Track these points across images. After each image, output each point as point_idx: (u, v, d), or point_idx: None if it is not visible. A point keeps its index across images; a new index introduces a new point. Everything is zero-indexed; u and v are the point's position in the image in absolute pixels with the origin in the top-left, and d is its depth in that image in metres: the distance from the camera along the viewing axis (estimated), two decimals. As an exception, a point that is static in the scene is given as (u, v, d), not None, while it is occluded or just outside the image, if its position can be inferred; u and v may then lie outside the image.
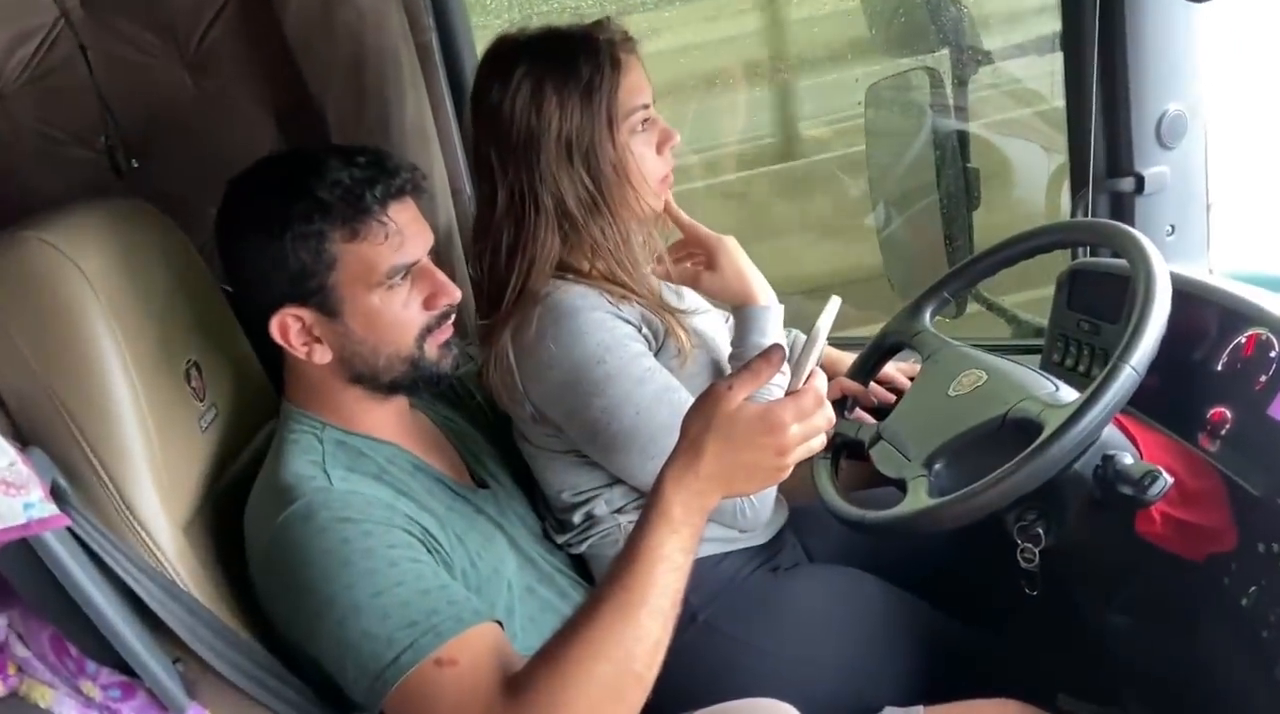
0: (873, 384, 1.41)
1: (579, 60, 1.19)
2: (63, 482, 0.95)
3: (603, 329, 1.19)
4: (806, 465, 1.34)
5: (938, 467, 1.12)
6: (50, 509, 0.86)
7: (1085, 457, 1.04)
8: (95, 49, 1.39)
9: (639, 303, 1.23)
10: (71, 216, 1.08)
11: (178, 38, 1.42)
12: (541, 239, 1.21)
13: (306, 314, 1.10)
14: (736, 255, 1.27)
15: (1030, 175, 2.08)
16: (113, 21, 1.40)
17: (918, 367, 1.48)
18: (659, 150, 1.25)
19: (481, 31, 1.60)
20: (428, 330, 1.14)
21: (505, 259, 1.23)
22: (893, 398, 1.42)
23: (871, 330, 1.44)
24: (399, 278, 1.10)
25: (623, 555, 0.93)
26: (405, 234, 1.10)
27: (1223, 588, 1.08)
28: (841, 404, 1.37)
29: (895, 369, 1.47)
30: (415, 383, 1.15)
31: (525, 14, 2.03)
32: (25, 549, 0.88)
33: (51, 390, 0.98)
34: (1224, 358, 1.15)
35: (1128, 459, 1.05)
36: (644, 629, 0.91)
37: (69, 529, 0.91)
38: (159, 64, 1.42)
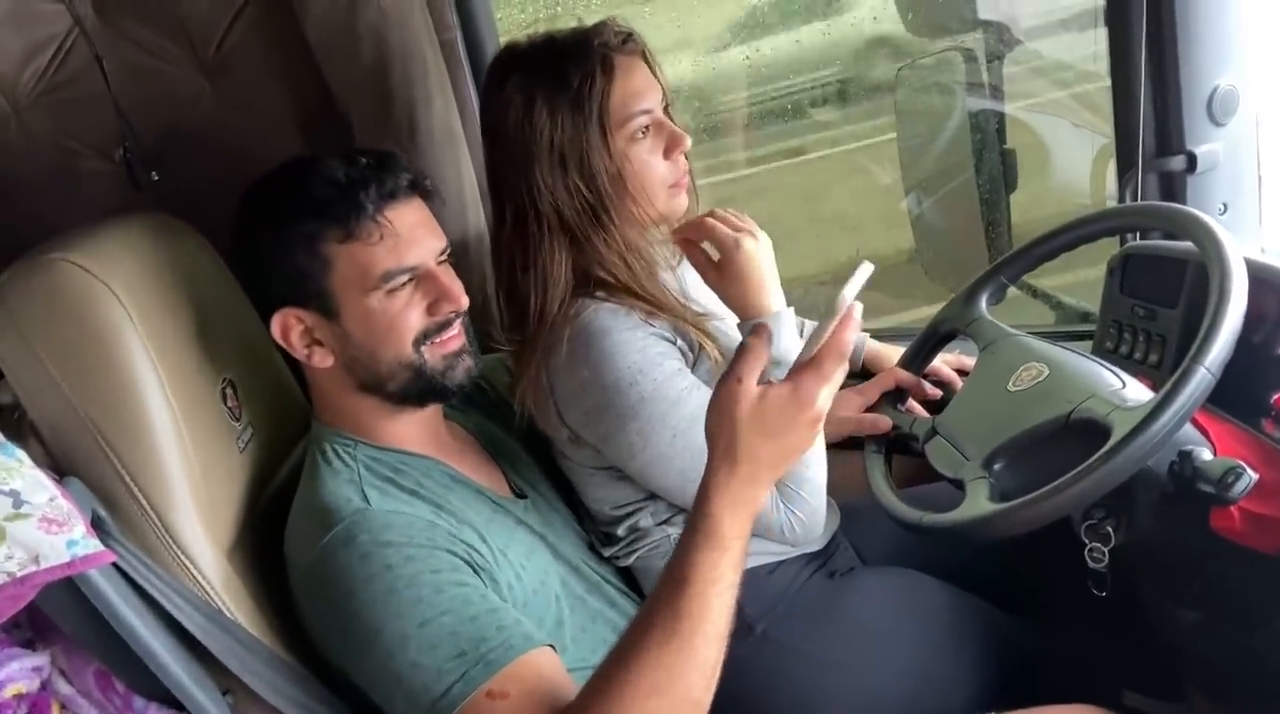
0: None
1: (568, 68, 1.15)
2: (102, 511, 0.92)
3: (634, 349, 1.15)
4: (853, 460, 1.31)
5: (997, 467, 1.07)
6: (94, 545, 0.83)
7: (1160, 453, 0.99)
8: (111, 57, 1.35)
9: (668, 316, 1.19)
10: (98, 236, 1.05)
11: (195, 43, 1.38)
12: (548, 253, 1.17)
13: (307, 316, 1.08)
14: (751, 263, 1.17)
15: (1070, 156, 2.02)
16: (128, 28, 1.36)
17: (964, 358, 1.45)
18: (667, 154, 1.20)
19: (506, 25, 1.55)
20: (425, 336, 1.10)
21: (520, 276, 1.19)
22: (939, 393, 1.38)
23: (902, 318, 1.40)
24: (400, 282, 1.07)
25: (670, 578, 0.88)
26: (404, 237, 1.07)
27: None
28: (894, 396, 1.32)
29: (942, 361, 1.43)
30: (422, 393, 1.12)
31: (550, 6, 1.97)
32: (68, 584, 0.85)
33: (88, 418, 0.95)
34: (1287, 340, 1.11)
35: (1206, 455, 1.01)
36: (700, 657, 0.87)
37: (113, 563, 0.88)
38: (177, 71, 1.38)
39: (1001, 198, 1.75)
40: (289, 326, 1.08)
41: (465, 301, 1.11)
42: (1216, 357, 0.96)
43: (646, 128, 1.19)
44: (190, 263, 1.15)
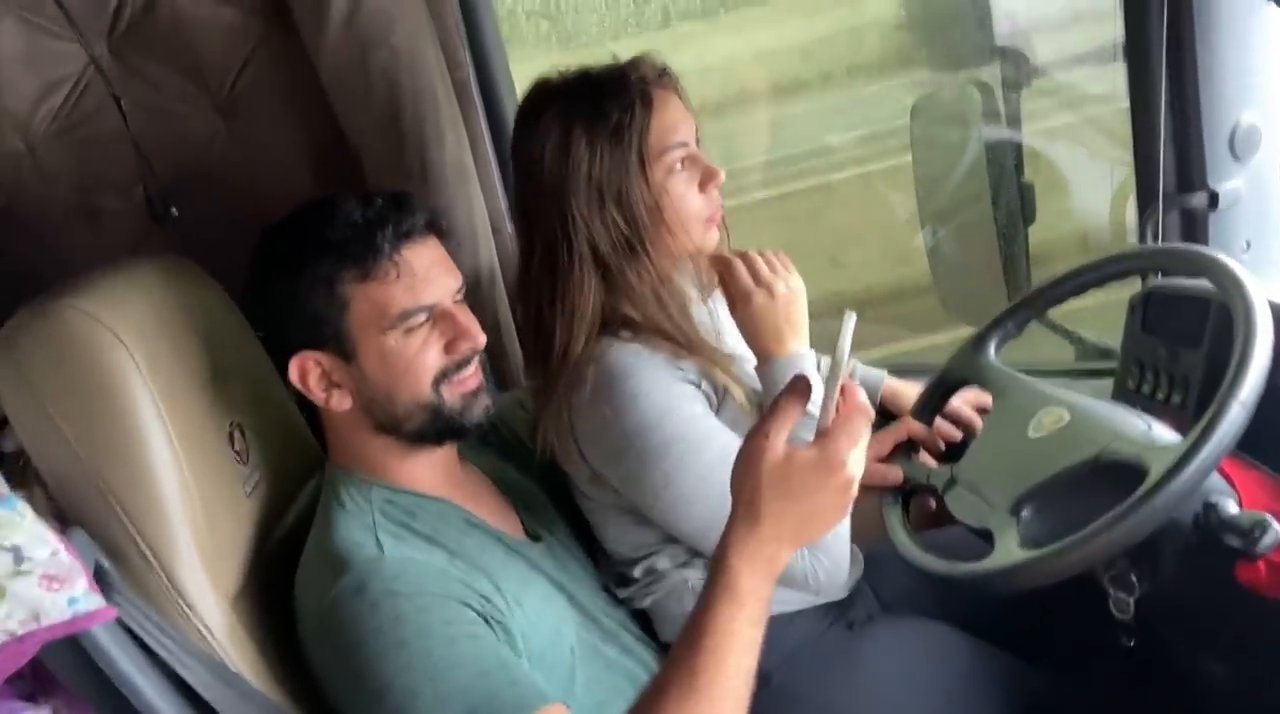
0: (939, 421, 1.35)
1: (607, 101, 1.15)
2: (105, 563, 0.90)
3: (659, 391, 1.13)
4: (871, 505, 1.29)
5: (1025, 514, 1.05)
6: (96, 601, 0.82)
7: (1186, 503, 0.97)
8: (127, 96, 1.35)
9: (695, 358, 1.18)
10: (109, 281, 1.04)
11: (209, 83, 1.38)
12: (579, 287, 1.16)
13: (324, 359, 1.07)
14: (759, 319, 1.16)
15: (1089, 190, 2.00)
16: (142, 68, 1.36)
17: (984, 397, 1.42)
18: (702, 188, 1.20)
19: (518, 64, 1.55)
20: (444, 375, 1.09)
21: (546, 311, 1.18)
22: (959, 435, 1.35)
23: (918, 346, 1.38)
24: (419, 320, 1.07)
25: (687, 635, 0.86)
26: (420, 276, 1.06)
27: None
28: (907, 447, 1.30)
29: (962, 400, 1.41)
30: (440, 433, 1.11)
31: (563, 43, 1.98)
32: (69, 639, 0.83)
33: (93, 468, 0.94)
34: (1314, 383, 1.08)
35: (1232, 507, 0.98)
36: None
37: (117, 618, 0.86)
38: (191, 110, 1.38)
39: (1019, 231, 1.73)
40: (307, 370, 1.07)
41: (483, 339, 1.10)
42: (1250, 392, 0.94)
43: (683, 160, 1.18)
44: (200, 305, 1.14)
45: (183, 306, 1.10)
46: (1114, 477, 0.99)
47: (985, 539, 1.06)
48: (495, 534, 1.14)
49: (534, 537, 1.22)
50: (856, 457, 0.86)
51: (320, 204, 1.09)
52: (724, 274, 1.19)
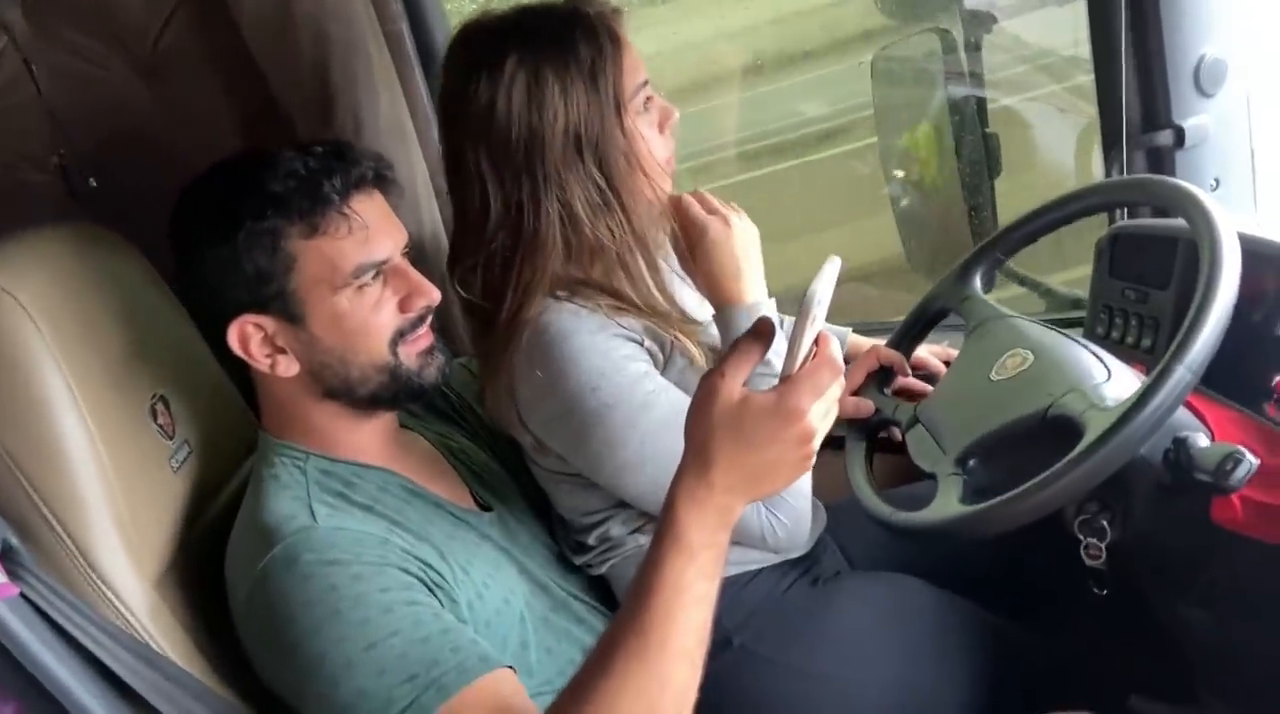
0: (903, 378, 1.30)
1: (577, 41, 1.06)
2: (15, 541, 0.85)
3: (597, 353, 1.07)
4: (838, 459, 1.24)
5: (972, 464, 1.01)
6: (-5, 578, 0.77)
7: (1153, 440, 0.93)
8: (42, 63, 1.29)
9: (639, 314, 1.11)
10: (11, 246, 0.98)
11: (129, 45, 1.32)
12: (544, 250, 1.08)
13: (267, 322, 1.00)
14: (719, 249, 1.10)
15: (1055, 137, 1.96)
16: (59, 32, 1.30)
17: (952, 351, 1.39)
18: (661, 129, 1.13)
19: (456, 18, 1.49)
20: (400, 334, 1.03)
21: (499, 276, 1.11)
22: (927, 388, 1.31)
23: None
24: (369, 277, 1.00)
25: (635, 591, 0.81)
26: (372, 228, 1.00)
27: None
28: (880, 378, 1.25)
29: (928, 352, 1.36)
30: (396, 396, 1.05)
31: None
32: (-28, 621, 0.78)
33: (-2, 441, 0.89)
34: (1287, 318, 1.04)
35: (1202, 441, 0.94)
36: (667, 675, 0.79)
37: (23, 595, 0.81)
38: (111, 74, 1.32)
39: (985, 183, 1.69)
40: (247, 335, 1.00)
41: (438, 295, 1.04)
42: (1199, 354, 0.90)
43: (647, 100, 1.12)
44: (116, 273, 1.08)
45: (96, 274, 1.04)
46: (1058, 433, 0.95)
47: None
48: (439, 503, 1.09)
49: (484, 506, 1.17)
50: (820, 410, 0.79)
51: (252, 155, 1.02)
52: (677, 212, 1.13)
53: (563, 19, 1.08)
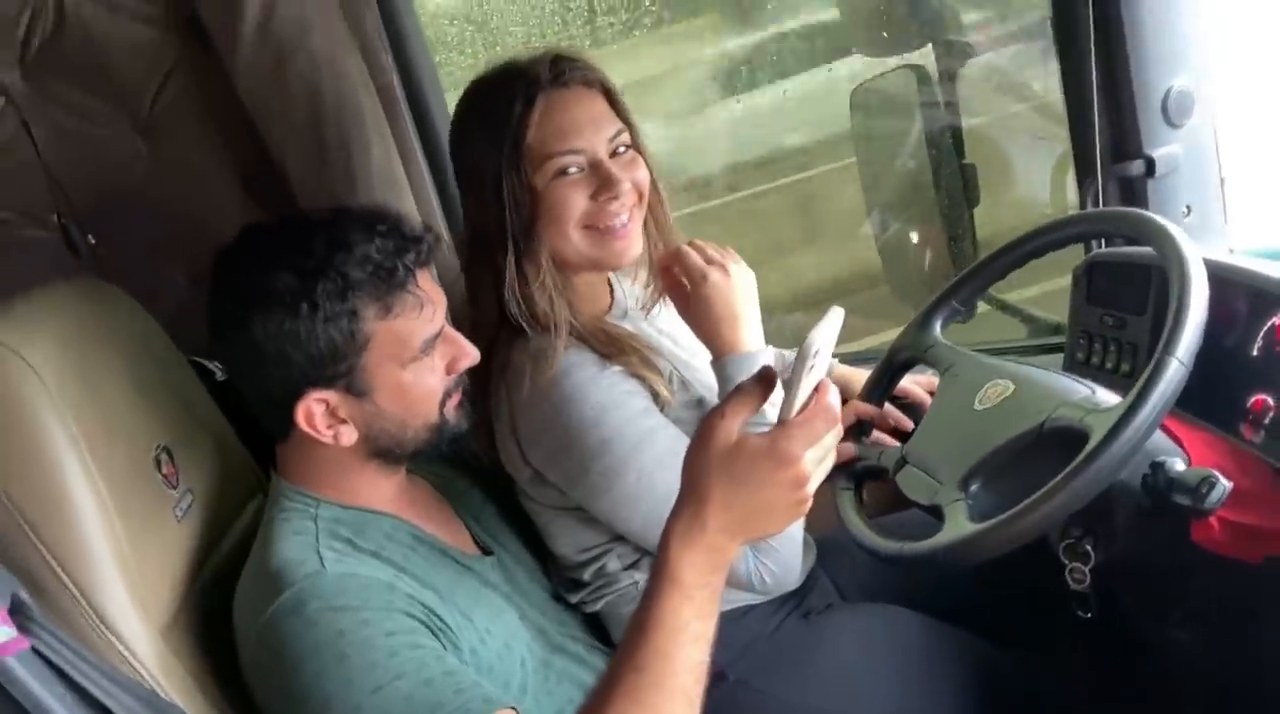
0: (888, 405, 1.33)
1: (494, 94, 1.14)
2: (23, 595, 0.86)
3: (599, 388, 1.11)
4: (826, 492, 1.27)
5: (974, 488, 1.03)
6: (6, 632, 0.78)
7: (1132, 465, 0.96)
8: (40, 123, 1.32)
9: (619, 359, 1.15)
10: (17, 305, 1.01)
11: (127, 104, 1.35)
12: (499, 272, 1.15)
13: (332, 396, 1.01)
14: (719, 296, 1.12)
15: (1030, 168, 2.00)
16: (57, 92, 1.33)
17: (934, 379, 1.41)
18: (594, 197, 1.14)
19: (446, 69, 1.53)
20: (447, 395, 1.07)
21: (480, 300, 1.18)
22: (909, 423, 1.34)
23: (875, 340, 1.36)
24: (429, 347, 1.04)
25: (632, 630, 0.82)
26: (434, 302, 1.04)
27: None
28: (858, 429, 1.28)
29: (911, 382, 1.39)
30: (436, 448, 1.09)
31: (490, 46, 1.96)
32: (-15, 674, 0.79)
33: (5, 495, 0.90)
34: (1259, 342, 1.07)
35: (1179, 465, 0.97)
36: None
37: (33, 648, 0.82)
38: (110, 133, 1.35)
39: (963, 213, 1.72)
40: (313, 412, 1.01)
41: (478, 354, 1.08)
42: (1187, 346, 0.93)
43: (571, 169, 1.13)
44: (119, 327, 1.11)
45: (99, 328, 1.07)
46: (1060, 443, 0.97)
47: (936, 516, 1.05)
48: (444, 550, 1.11)
49: (485, 550, 1.19)
50: (814, 457, 0.81)
51: (300, 228, 1.03)
52: (675, 264, 1.16)
53: (500, 75, 1.18)
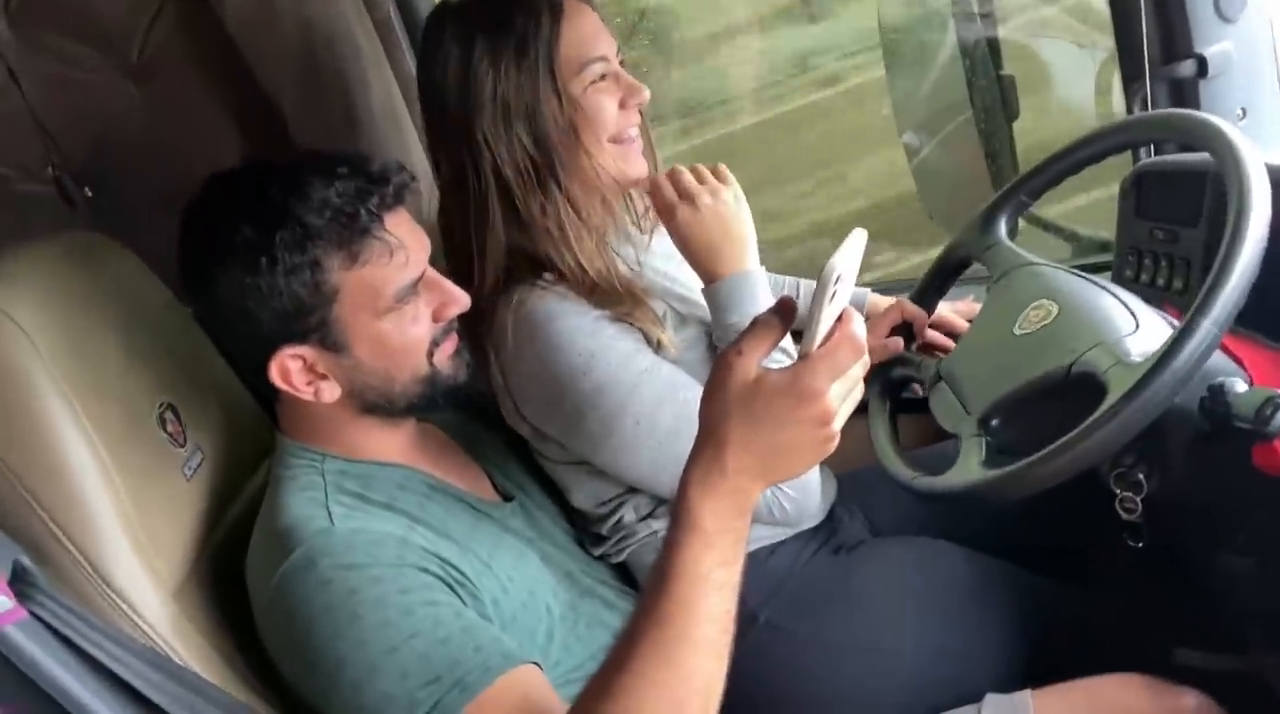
0: (929, 332, 1.27)
1: (512, 13, 1.06)
2: (26, 561, 0.84)
3: (584, 333, 1.05)
4: (853, 429, 1.21)
5: (995, 424, 0.98)
6: (4, 602, 0.76)
7: (1189, 388, 0.89)
8: (29, 73, 1.27)
9: (611, 300, 1.09)
10: (6, 261, 0.97)
11: (116, 48, 1.30)
12: (489, 221, 1.08)
13: (307, 352, 0.97)
14: (689, 230, 1.07)
15: (1071, 77, 1.89)
16: (43, 39, 1.28)
17: (974, 305, 1.34)
18: (623, 105, 1.10)
19: None
20: (435, 343, 1.01)
21: (461, 247, 1.11)
22: (950, 344, 1.28)
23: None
24: (408, 295, 0.98)
25: (653, 581, 0.78)
26: (408, 247, 0.97)
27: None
28: (902, 334, 1.23)
29: (951, 309, 1.32)
30: (433, 401, 1.03)
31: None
32: (-13, 643, 0.77)
33: (3, 463, 0.87)
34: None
35: (1240, 386, 0.90)
36: (690, 668, 0.76)
37: (37, 617, 0.80)
38: (100, 79, 1.30)
39: (1001, 128, 1.63)
40: (288, 368, 0.97)
41: (468, 300, 1.02)
42: (1225, 307, 0.85)
43: (603, 75, 1.09)
44: (115, 281, 1.07)
45: (94, 283, 1.03)
46: (1082, 391, 0.92)
47: (956, 447, 0.99)
48: (460, 497, 1.07)
49: (506, 495, 1.15)
50: (840, 391, 0.75)
51: (261, 173, 0.97)
52: (651, 193, 1.11)
53: None
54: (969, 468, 0.94)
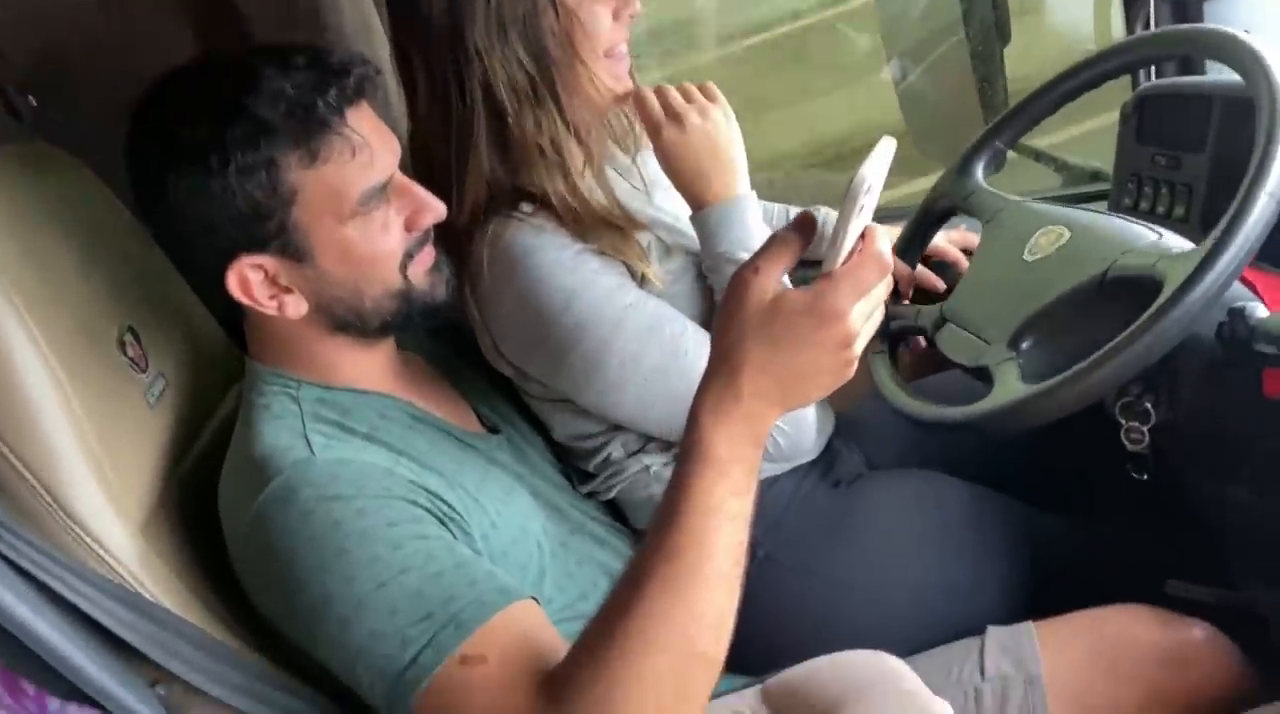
0: (921, 269, 1.23)
1: None
2: (-20, 493, 0.78)
3: (564, 269, 1.00)
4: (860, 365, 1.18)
5: (1025, 346, 0.94)
6: (-45, 535, 0.70)
7: (1207, 315, 0.86)
8: (-33, -27, 1.17)
9: (600, 237, 1.03)
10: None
11: (62, -53, 1.20)
12: (475, 145, 1.01)
13: (268, 261, 0.90)
14: (675, 152, 1.02)
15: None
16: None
17: (970, 236, 1.31)
18: (616, 16, 1.03)
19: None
20: (409, 255, 0.95)
21: (437, 174, 1.03)
22: (942, 285, 1.24)
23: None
24: (375, 200, 0.91)
25: (662, 514, 0.74)
26: (373, 145, 0.90)
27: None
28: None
29: (946, 240, 1.29)
30: (409, 319, 0.97)
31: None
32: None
33: (-49, 386, 0.81)
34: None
35: (1261, 311, 0.88)
36: (703, 603, 0.73)
37: (-3, 553, 0.75)
38: (48, -19, 1.20)
39: (995, 52, 1.58)
40: (248, 279, 0.90)
41: (443, 208, 0.95)
42: (1277, 180, 0.82)
43: None
44: (70, 195, 0.99)
45: (45, 197, 0.95)
46: (1124, 294, 0.88)
47: (982, 378, 0.96)
48: (445, 428, 1.02)
49: (492, 428, 1.10)
50: (863, 311, 0.71)
51: (212, 67, 0.91)
52: (637, 109, 1.05)
53: None
54: (1011, 387, 0.90)
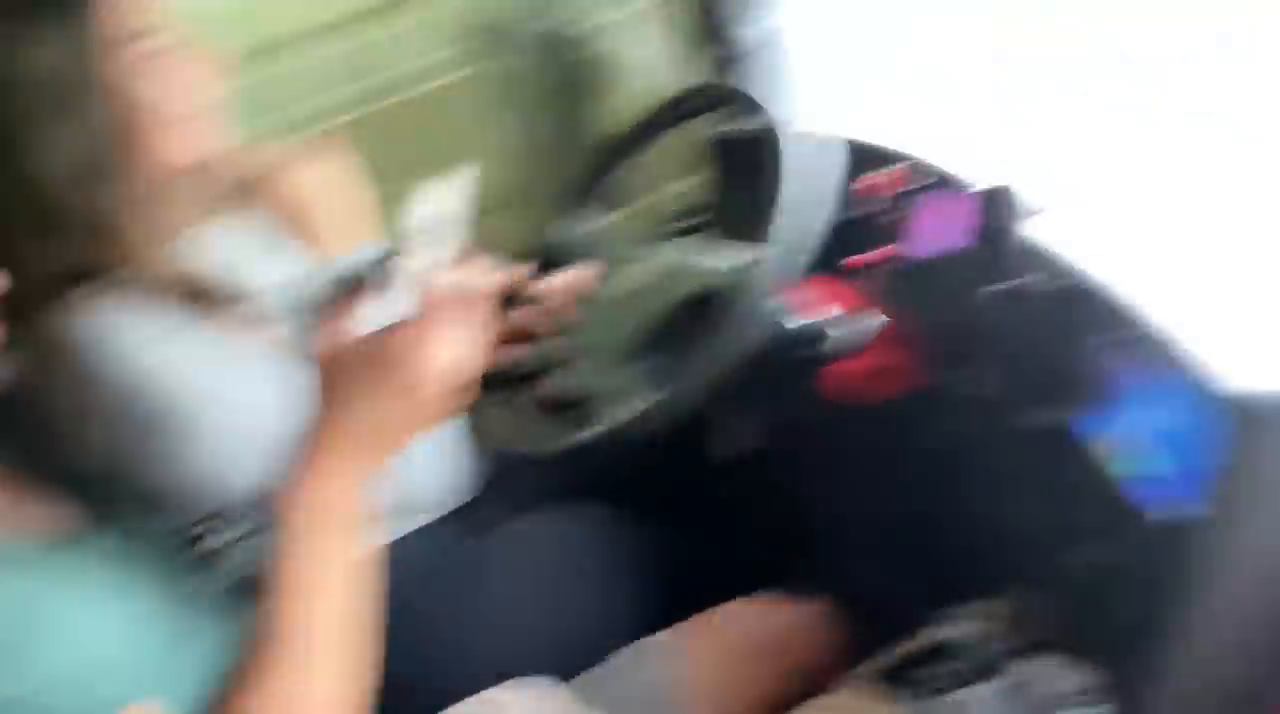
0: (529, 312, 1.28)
1: None
2: None
3: (142, 346, 0.94)
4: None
5: (627, 371, 1.00)
6: None
7: (756, 326, 0.96)
8: None
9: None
10: None
11: None
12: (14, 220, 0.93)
13: None
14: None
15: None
16: None
17: (579, 274, 1.37)
18: (187, 79, 0.97)
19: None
20: None
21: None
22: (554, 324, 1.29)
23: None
24: None
25: (263, 599, 0.71)
26: None
27: (912, 426, 1.05)
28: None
29: (559, 281, 1.34)
30: None
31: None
32: None
33: None
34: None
35: (793, 320, 0.98)
36: (326, 680, 0.71)
37: None
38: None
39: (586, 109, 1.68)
40: None
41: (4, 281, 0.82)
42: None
43: (161, 48, 0.96)
44: None
45: None
46: (703, 311, 0.95)
47: (592, 409, 1.01)
48: (17, 541, 0.89)
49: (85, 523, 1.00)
50: (437, 353, 0.69)
51: None
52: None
53: None
54: (617, 411, 0.94)
